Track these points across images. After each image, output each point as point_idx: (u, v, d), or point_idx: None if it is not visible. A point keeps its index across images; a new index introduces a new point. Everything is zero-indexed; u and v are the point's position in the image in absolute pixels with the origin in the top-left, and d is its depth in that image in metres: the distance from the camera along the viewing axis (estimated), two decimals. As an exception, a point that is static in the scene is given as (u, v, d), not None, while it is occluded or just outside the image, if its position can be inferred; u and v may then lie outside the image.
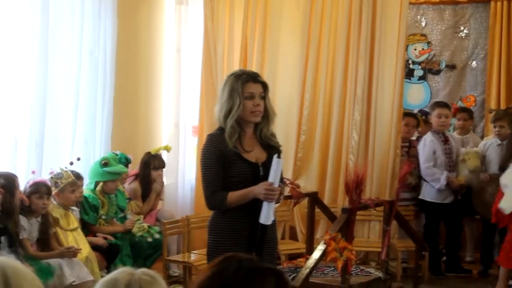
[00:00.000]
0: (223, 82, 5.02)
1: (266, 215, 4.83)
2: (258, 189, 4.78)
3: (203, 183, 4.94)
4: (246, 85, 4.85)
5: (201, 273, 2.21)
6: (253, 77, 4.93)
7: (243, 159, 4.86)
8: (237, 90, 4.82)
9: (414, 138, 9.61)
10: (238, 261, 2.17)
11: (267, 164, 4.88)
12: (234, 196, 4.83)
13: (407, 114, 9.59)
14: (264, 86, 4.95)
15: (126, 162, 8.01)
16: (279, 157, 4.87)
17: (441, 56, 10.81)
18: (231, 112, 4.82)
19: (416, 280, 7.64)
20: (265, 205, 4.80)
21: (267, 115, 4.97)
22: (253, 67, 9.42)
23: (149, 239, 7.93)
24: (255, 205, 4.82)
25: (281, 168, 4.87)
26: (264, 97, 4.93)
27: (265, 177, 4.84)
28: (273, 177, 4.79)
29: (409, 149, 9.37)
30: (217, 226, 4.96)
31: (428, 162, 9.12)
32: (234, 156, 4.84)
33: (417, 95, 10.44)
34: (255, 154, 4.93)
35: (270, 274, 2.17)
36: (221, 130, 4.90)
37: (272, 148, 5.00)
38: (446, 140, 9.25)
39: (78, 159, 7.60)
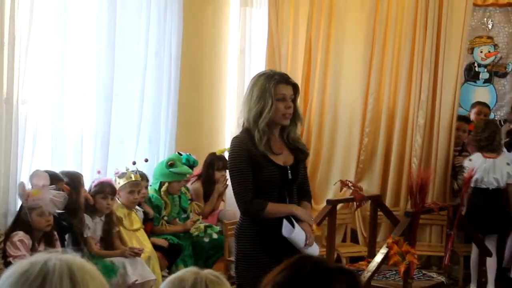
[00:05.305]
0: (251, 82, 4.81)
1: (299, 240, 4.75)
2: (302, 214, 4.76)
3: (237, 188, 4.73)
4: (279, 86, 4.67)
5: (273, 274, 2.19)
6: (285, 79, 4.76)
7: (271, 162, 4.69)
8: (269, 91, 4.63)
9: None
10: (312, 263, 2.17)
11: (294, 167, 4.81)
12: (274, 208, 4.68)
13: (459, 118, 9.46)
14: (295, 88, 4.82)
15: (193, 165, 8.06)
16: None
17: (508, 59, 10.63)
18: (262, 114, 4.64)
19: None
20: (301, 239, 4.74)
21: (294, 118, 4.81)
22: (317, 69, 9.44)
23: (206, 239, 7.90)
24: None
25: (296, 230, 4.73)
26: (295, 99, 4.79)
27: (294, 180, 4.80)
28: (300, 241, 4.73)
29: (460, 153, 9.23)
30: (247, 234, 4.79)
31: None
32: (263, 159, 4.66)
33: (483, 98, 10.24)
34: (283, 157, 4.78)
35: (343, 275, 2.17)
36: (247, 132, 4.74)
37: (299, 151, 4.88)
38: None
39: (146, 160, 7.68)
